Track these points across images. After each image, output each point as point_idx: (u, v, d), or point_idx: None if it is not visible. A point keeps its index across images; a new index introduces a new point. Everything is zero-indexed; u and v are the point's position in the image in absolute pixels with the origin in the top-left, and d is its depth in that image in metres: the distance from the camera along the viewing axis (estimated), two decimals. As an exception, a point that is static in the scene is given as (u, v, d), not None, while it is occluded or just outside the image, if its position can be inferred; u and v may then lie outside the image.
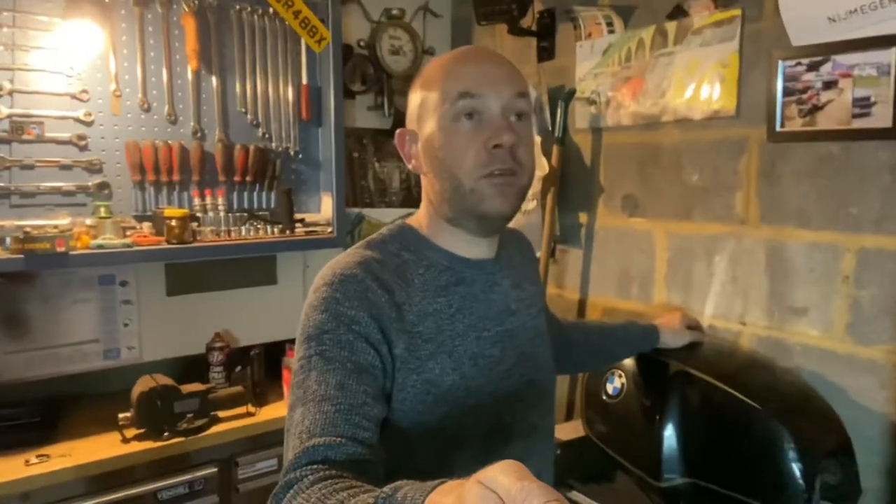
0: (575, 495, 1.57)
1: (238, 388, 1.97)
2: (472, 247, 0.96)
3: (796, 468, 1.23)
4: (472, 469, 0.45)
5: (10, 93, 1.73)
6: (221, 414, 1.90)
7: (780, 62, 1.51)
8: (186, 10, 1.96)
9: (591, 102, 2.01)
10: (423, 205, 0.98)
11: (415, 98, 0.94)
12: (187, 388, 1.85)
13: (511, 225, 1.02)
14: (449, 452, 0.89)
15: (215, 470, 1.82)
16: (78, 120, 1.83)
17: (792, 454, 1.23)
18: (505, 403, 0.95)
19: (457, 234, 0.95)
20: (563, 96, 2.06)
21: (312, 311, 0.85)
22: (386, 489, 0.54)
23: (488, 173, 0.87)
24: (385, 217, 2.37)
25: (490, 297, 0.97)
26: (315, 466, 0.68)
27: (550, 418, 1.07)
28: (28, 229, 1.64)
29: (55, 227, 1.73)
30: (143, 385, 1.80)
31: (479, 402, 0.91)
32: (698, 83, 1.72)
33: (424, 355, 0.87)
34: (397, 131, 0.97)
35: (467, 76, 0.88)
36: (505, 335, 0.97)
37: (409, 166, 0.97)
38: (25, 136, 1.76)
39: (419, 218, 0.99)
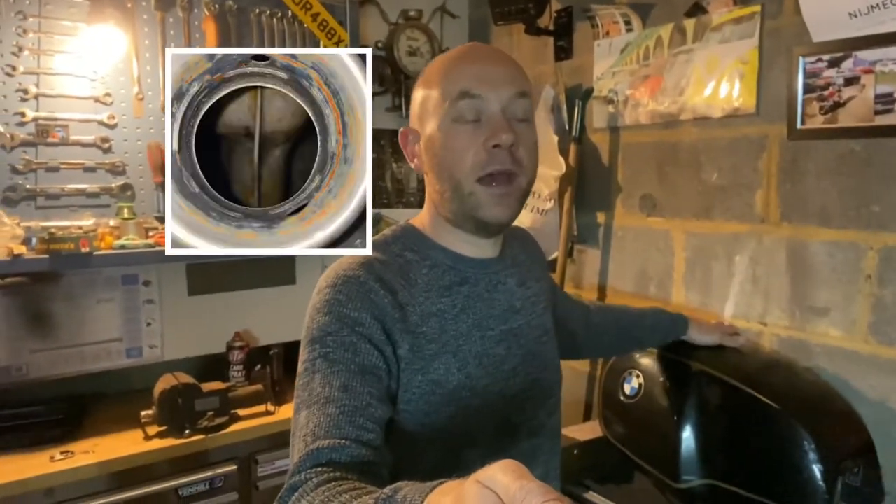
0: (592, 496, 1.57)
1: (257, 387, 1.99)
2: (476, 246, 0.96)
3: (817, 470, 1.21)
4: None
5: (36, 96, 1.78)
6: (241, 412, 1.92)
7: (800, 59, 1.48)
8: (207, 13, 1.98)
9: (609, 101, 2.00)
10: (426, 204, 0.98)
11: (417, 96, 0.94)
12: (208, 386, 1.87)
13: (528, 224, 1.02)
14: (457, 452, 0.89)
15: (235, 467, 1.84)
16: (101, 123, 1.87)
17: (812, 456, 1.22)
18: (512, 402, 0.95)
19: (459, 234, 0.94)
20: (580, 95, 2.05)
21: (316, 314, 0.86)
22: (386, 490, 0.54)
23: (486, 174, 0.87)
24: (403, 217, 2.34)
25: (494, 296, 0.97)
26: (320, 469, 0.69)
27: (557, 416, 1.06)
28: (53, 230, 1.68)
29: (79, 227, 1.77)
30: (164, 383, 1.83)
31: (485, 402, 0.91)
32: (717, 81, 1.70)
33: (429, 355, 0.87)
34: (400, 130, 0.96)
35: (467, 76, 0.87)
36: (510, 334, 0.97)
37: (412, 165, 0.96)
38: (50, 139, 1.80)
39: (423, 218, 0.99)
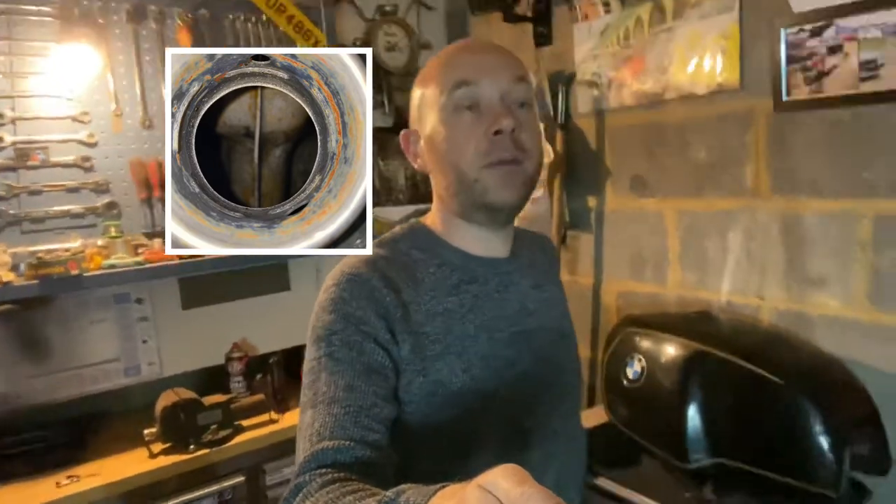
0: (602, 482, 1.57)
1: (259, 397, 1.97)
2: (486, 244, 0.94)
3: (824, 442, 1.22)
4: None
5: (13, 120, 1.74)
6: (245, 423, 1.90)
7: (781, 30, 1.49)
8: (180, 23, 1.95)
9: (593, 85, 2.00)
10: (434, 203, 0.97)
11: (414, 97, 0.93)
12: (209, 399, 1.85)
13: (520, 214, 1.00)
14: (463, 456, 0.86)
15: (243, 479, 1.82)
16: (81, 142, 1.83)
17: (819, 428, 1.23)
18: (522, 407, 0.91)
19: (469, 229, 0.92)
20: (563, 81, 2.05)
21: (321, 312, 0.85)
22: (389, 493, 0.54)
23: (490, 162, 0.85)
24: (393, 215, 2.33)
25: (504, 296, 0.94)
26: (324, 470, 0.68)
27: (575, 421, 1.02)
28: (41, 255, 1.65)
29: (67, 250, 1.73)
30: (165, 400, 1.80)
31: (492, 406, 0.88)
32: (700, 57, 1.70)
33: (431, 356, 0.85)
34: (401, 133, 0.95)
35: (463, 65, 0.87)
36: (521, 336, 0.93)
37: (415, 166, 0.95)
38: (31, 162, 1.76)
39: (432, 217, 0.97)
